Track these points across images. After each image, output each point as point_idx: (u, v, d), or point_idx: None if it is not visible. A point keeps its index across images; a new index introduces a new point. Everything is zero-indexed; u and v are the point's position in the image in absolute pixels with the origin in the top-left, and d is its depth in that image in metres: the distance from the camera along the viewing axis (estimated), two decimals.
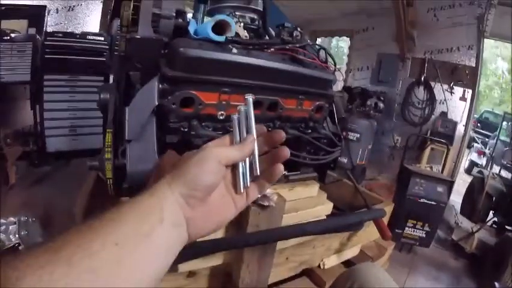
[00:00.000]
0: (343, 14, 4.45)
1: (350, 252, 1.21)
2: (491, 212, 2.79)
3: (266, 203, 0.70)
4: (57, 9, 3.57)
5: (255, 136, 0.42)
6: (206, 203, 0.38)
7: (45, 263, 0.26)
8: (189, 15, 0.84)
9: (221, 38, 0.77)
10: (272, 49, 0.86)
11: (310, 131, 0.90)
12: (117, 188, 0.77)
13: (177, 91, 0.75)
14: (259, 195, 0.47)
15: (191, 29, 0.81)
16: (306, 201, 0.86)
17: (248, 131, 0.42)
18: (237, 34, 0.85)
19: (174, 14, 0.84)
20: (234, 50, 0.76)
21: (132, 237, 0.31)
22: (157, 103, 0.73)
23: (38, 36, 2.71)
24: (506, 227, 2.48)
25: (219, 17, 0.78)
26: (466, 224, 2.60)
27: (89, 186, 1.12)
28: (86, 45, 2.80)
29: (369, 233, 1.16)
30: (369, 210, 0.95)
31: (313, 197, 0.88)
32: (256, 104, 0.81)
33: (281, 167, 0.43)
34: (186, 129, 0.77)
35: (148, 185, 0.40)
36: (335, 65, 0.97)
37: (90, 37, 2.91)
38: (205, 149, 0.39)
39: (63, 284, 0.25)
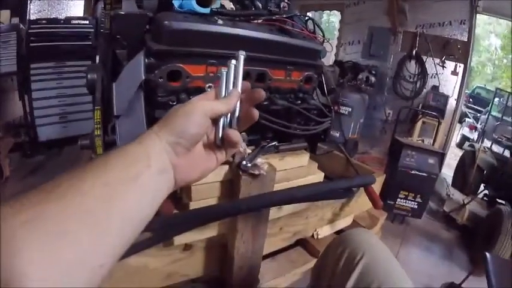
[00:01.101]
0: None
1: (343, 222, 1.24)
2: (482, 185, 2.85)
3: (257, 172, 0.72)
4: None
5: (239, 91, 0.44)
6: (191, 152, 0.40)
7: (37, 202, 0.27)
8: None
9: (206, 10, 0.76)
10: (259, 20, 0.86)
11: (299, 101, 0.91)
12: None
13: (163, 65, 0.74)
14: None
15: (176, 2, 0.79)
16: (297, 170, 0.88)
17: (234, 86, 0.44)
18: (222, 6, 0.84)
19: None
20: (220, 22, 0.76)
21: (120, 179, 0.32)
22: (144, 78, 0.73)
23: (21, 25, 2.65)
24: (497, 199, 2.54)
25: None
26: (458, 196, 2.67)
27: None
28: (71, 30, 2.74)
29: (361, 203, 1.19)
30: (359, 176, 0.98)
31: (304, 167, 0.89)
32: (244, 75, 0.80)
33: (256, 111, 0.45)
34: (174, 103, 0.77)
35: None
36: (323, 35, 0.96)
37: (74, 21, 2.83)
38: (191, 102, 0.40)
39: (55, 221, 0.26)
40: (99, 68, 0.94)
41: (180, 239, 0.78)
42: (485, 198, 2.66)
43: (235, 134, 0.42)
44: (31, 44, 2.57)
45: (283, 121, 0.84)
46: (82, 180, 0.30)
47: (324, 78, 0.99)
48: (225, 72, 0.44)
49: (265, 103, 0.84)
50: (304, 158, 0.88)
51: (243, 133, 0.88)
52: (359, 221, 1.36)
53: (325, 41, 0.96)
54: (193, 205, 0.76)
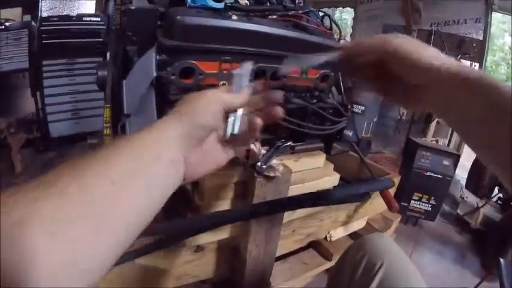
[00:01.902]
0: None
1: (357, 225, 1.21)
2: (496, 188, 2.77)
3: (272, 174, 0.69)
4: None
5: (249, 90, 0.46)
6: (201, 147, 0.39)
7: (33, 199, 0.24)
8: None
9: (220, 5, 0.73)
10: (274, 16, 0.83)
11: (315, 100, 0.88)
12: None
13: (176, 61, 0.72)
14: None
15: None
16: (312, 172, 0.85)
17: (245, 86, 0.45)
18: (236, 1, 0.81)
19: None
20: (234, 17, 0.73)
21: (126, 173, 0.30)
22: (155, 75, 0.71)
23: (33, 23, 2.67)
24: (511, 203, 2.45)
25: None
26: (472, 198, 2.59)
27: None
28: (83, 27, 2.76)
29: (376, 205, 1.16)
30: (378, 180, 0.94)
31: (320, 168, 0.86)
32: (259, 73, 0.78)
33: (279, 108, 0.47)
34: None
35: None
36: (340, 32, 0.93)
37: (86, 18, 2.85)
38: (210, 92, 0.40)
39: (52, 221, 0.24)
40: (110, 64, 0.93)
41: (191, 241, 0.76)
42: (499, 201, 2.57)
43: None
44: (43, 41, 2.60)
45: (298, 120, 0.81)
46: (84, 175, 0.27)
47: (340, 76, 0.95)
48: (237, 73, 0.46)
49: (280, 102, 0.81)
50: (320, 159, 0.85)
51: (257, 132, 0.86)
52: (373, 224, 1.33)
53: (342, 38, 0.92)
54: (205, 207, 0.74)
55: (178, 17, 0.70)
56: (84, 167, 0.28)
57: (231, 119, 0.43)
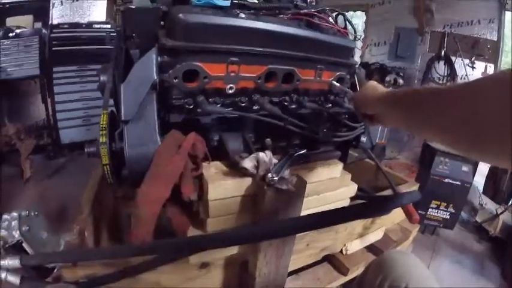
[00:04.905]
0: None
1: (373, 236, 1.13)
2: None
3: (284, 187, 0.62)
4: (61, 1, 3.51)
5: None
6: None
7: None
8: None
9: (226, 2, 0.68)
10: (285, 15, 0.76)
11: (330, 105, 0.81)
12: (117, 175, 0.70)
13: (178, 63, 0.66)
14: None
15: None
16: (329, 182, 0.77)
17: None
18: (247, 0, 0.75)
19: None
20: (242, 15, 0.67)
21: None
22: (156, 78, 0.66)
23: (44, 30, 2.71)
24: None
25: None
26: (490, 205, 2.47)
27: (97, 175, 1.07)
28: (93, 34, 2.79)
29: (394, 215, 1.08)
30: (403, 194, 0.86)
31: (336, 178, 0.79)
32: (270, 75, 0.72)
33: None
34: (191, 106, 0.69)
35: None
36: (355, 32, 0.86)
37: (96, 26, 2.89)
38: None
39: None
40: (111, 68, 0.88)
41: (195, 258, 0.69)
42: None
43: None
44: (53, 48, 2.64)
45: (313, 126, 0.74)
46: None
47: (356, 79, 0.88)
48: None
49: (293, 106, 0.75)
50: (337, 169, 0.78)
51: (267, 139, 0.80)
52: (390, 235, 1.25)
53: (357, 39, 0.86)
54: (210, 222, 0.68)
55: (181, 15, 0.64)
56: None
57: None
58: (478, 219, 2.36)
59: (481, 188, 3.07)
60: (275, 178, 0.61)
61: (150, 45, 0.69)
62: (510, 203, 2.40)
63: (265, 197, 0.64)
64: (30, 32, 2.65)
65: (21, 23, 2.97)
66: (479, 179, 3.27)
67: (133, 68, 0.68)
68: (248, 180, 0.66)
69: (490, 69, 3.38)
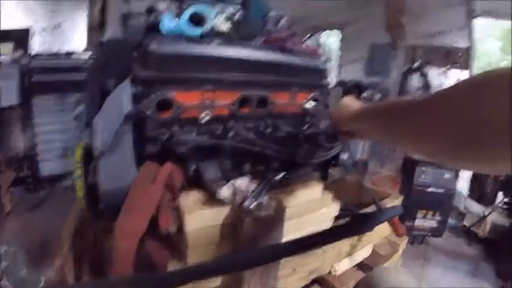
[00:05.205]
0: (331, 7, 4.37)
1: (362, 253, 1.12)
2: (500, 193, 2.70)
3: (263, 213, 0.61)
4: (43, 28, 3.50)
5: None
6: None
7: None
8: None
9: (197, 31, 0.68)
10: (258, 40, 0.78)
11: (306, 126, 0.82)
12: (94, 208, 0.68)
13: (152, 93, 0.66)
14: None
15: (165, 25, 0.73)
16: (310, 204, 0.77)
17: None
18: (217, 27, 0.77)
19: (145, 11, 0.77)
20: (214, 43, 0.68)
21: None
22: (130, 109, 0.65)
23: (23, 58, 2.67)
24: None
25: (194, 8, 0.69)
26: (477, 208, 2.52)
27: (78, 209, 1.04)
28: (73, 63, 2.76)
29: (380, 230, 1.08)
30: (386, 209, 0.87)
31: (317, 199, 0.79)
32: (244, 101, 0.72)
33: None
34: (166, 137, 0.68)
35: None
36: (326, 53, 0.89)
37: (75, 55, 2.87)
38: None
39: None
40: (87, 99, 0.87)
41: None
42: (505, 206, 2.50)
43: None
44: (33, 77, 2.59)
45: (290, 149, 0.74)
46: None
47: (332, 98, 0.90)
48: None
49: (268, 130, 0.75)
50: (317, 190, 0.78)
51: (246, 165, 0.79)
52: (379, 250, 1.24)
53: (328, 59, 0.88)
54: (190, 253, 0.65)
55: (153, 46, 0.65)
56: None
57: None
58: (466, 223, 2.40)
59: (465, 193, 3.14)
60: (252, 205, 0.60)
61: (124, 76, 0.69)
62: (496, 203, 2.46)
63: (244, 224, 0.63)
64: (10, 60, 2.63)
65: (2, 50, 2.93)
66: (463, 184, 3.35)
67: (106, 99, 0.67)
68: (226, 209, 0.65)
69: (464, 76, 3.52)
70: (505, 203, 2.49)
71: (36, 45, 3.33)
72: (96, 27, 0.84)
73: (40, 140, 2.57)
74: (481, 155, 0.32)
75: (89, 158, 0.69)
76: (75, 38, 3.52)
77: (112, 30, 0.72)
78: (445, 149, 0.36)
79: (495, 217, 2.29)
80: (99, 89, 0.82)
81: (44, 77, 2.61)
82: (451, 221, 2.48)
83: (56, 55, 2.85)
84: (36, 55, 2.80)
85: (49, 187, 2.54)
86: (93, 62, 0.84)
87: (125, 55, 0.72)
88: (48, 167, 2.57)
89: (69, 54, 2.90)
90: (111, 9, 0.69)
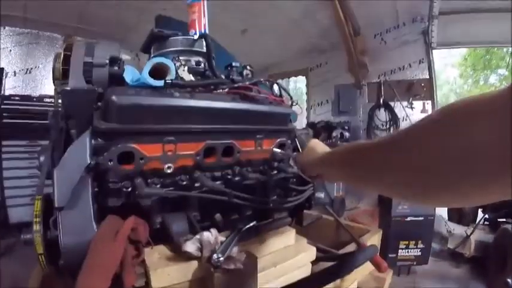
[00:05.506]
0: (296, 54, 4.68)
1: None
2: (479, 211, 2.76)
3: (232, 266, 0.58)
4: (14, 72, 3.46)
5: None
6: None
7: None
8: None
9: (159, 83, 0.68)
10: (221, 90, 0.79)
11: (275, 172, 0.81)
12: (54, 265, 0.62)
13: (113, 146, 0.64)
14: None
15: (128, 76, 0.73)
16: (285, 251, 0.74)
17: None
18: (181, 78, 0.78)
19: (108, 62, 0.77)
20: (176, 94, 0.68)
21: None
22: (89, 161, 0.62)
23: None
24: (499, 220, 2.42)
25: (156, 60, 0.70)
26: (459, 229, 2.55)
27: None
28: (44, 108, 2.71)
29: (363, 266, 1.04)
30: (360, 252, 0.85)
31: (292, 245, 0.76)
32: (209, 151, 0.71)
33: None
34: (129, 189, 0.65)
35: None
36: (291, 98, 0.91)
37: (47, 99, 2.83)
38: None
39: None
40: (49, 149, 0.83)
41: None
42: (486, 222, 2.54)
43: None
44: (3, 120, 2.50)
45: (260, 196, 0.73)
46: None
47: (298, 142, 0.91)
48: None
49: (236, 179, 0.73)
50: (290, 236, 0.75)
51: (217, 215, 0.76)
52: (364, 287, 1.20)
53: (294, 103, 0.91)
54: None
55: (114, 97, 0.64)
56: None
57: None
58: (450, 245, 2.40)
59: (445, 216, 3.19)
60: (221, 258, 0.57)
61: (86, 126, 0.67)
62: (477, 221, 2.49)
63: (214, 279, 0.58)
64: None
65: None
66: (441, 208, 3.41)
67: (66, 151, 0.65)
68: (194, 264, 0.61)
69: (428, 106, 3.73)
70: (486, 219, 2.55)
71: (7, 88, 3.26)
72: (59, 76, 0.82)
73: (8, 185, 2.48)
74: (448, 188, 0.31)
75: (49, 211, 0.65)
76: (46, 84, 3.49)
77: (75, 80, 0.70)
78: (407, 186, 0.36)
79: (478, 235, 2.32)
80: (62, 139, 0.79)
81: (14, 121, 2.54)
82: (435, 245, 2.48)
83: (28, 98, 2.80)
84: (8, 97, 2.74)
85: (18, 235, 2.38)
86: (54, 110, 0.82)
87: (87, 105, 0.71)
88: (16, 213, 2.47)
89: (41, 98, 2.84)
90: (75, 59, 0.69)
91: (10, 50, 3.42)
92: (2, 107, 2.55)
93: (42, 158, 0.82)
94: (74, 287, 0.58)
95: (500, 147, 0.25)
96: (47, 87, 3.48)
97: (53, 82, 0.93)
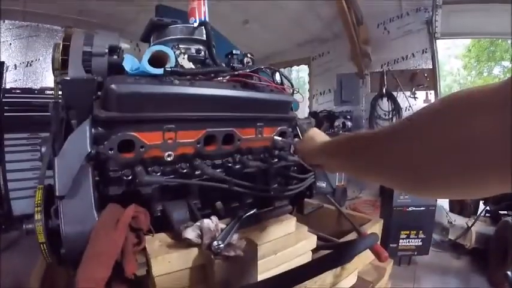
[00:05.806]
0: (298, 44, 4.62)
1: (347, 282, 1.08)
2: (481, 203, 2.76)
3: (232, 253, 0.58)
4: (15, 65, 3.46)
5: None
6: None
7: None
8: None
9: (158, 71, 0.68)
10: (222, 78, 0.79)
11: (276, 160, 0.81)
12: (56, 253, 0.63)
13: (113, 134, 0.64)
14: None
15: (127, 65, 0.72)
16: (285, 239, 0.74)
17: None
18: (181, 66, 0.77)
19: (107, 51, 0.76)
20: (176, 82, 0.68)
21: None
22: (90, 150, 0.62)
23: None
24: (500, 212, 2.42)
25: (155, 48, 0.70)
26: (460, 220, 2.55)
27: None
28: (45, 100, 2.71)
29: (364, 256, 1.05)
30: (361, 240, 0.85)
31: (292, 233, 0.76)
32: (210, 139, 0.71)
33: None
34: (129, 178, 0.65)
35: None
36: (292, 86, 0.90)
37: (48, 92, 2.83)
38: None
39: None
40: (50, 140, 0.84)
41: None
42: (487, 214, 2.54)
43: None
44: (5, 114, 2.51)
45: (261, 184, 0.72)
46: None
47: (299, 131, 0.90)
48: None
49: (237, 167, 0.73)
50: (290, 224, 0.75)
51: (218, 203, 0.76)
52: (365, 276, 1.20)
53: (295, 91, 0.90)
54: None
55: (113, 86, 0.63)
56: None
57: None
58: (451, 236, 2.40)
59: (446, 207, 3.19)
60: (221, 245, 0.57)
61: (86, 116, 0.67)
62: (479, 213, 2.50)
63: (215, 266, 0.59)
64: None
65: None
66: (442, 199, 3.41)
67: (67, 140, 0.65)
68: (194, 251, 0.61)
69: (431, 96, 3.70)
70: (487, 211, 2.55)
71: (8, 82, 3.26)
72: (59, 66, 0.81)
73: (11, 178, 2.48)
74: (448, 179, 0.31)
75: (50, 200, 0.65)
76: (47, 77, 3.49)
77: (74, 70, 0.70)
78: (408, 177, 0.35)
79: (479, 227, 2.31)
80: (63, 129, 0.80)
81: (16, 114, 2.55)
82: (435, 236, 2.49)
83: (29, 91, 2.79)
84: (9, 90, 2.74)
85: (21, 227, 2.40)
86: (55, 101, 0.82)
87: (86, 95, 0.70)
88: (20, 206, 2.47)
89: (42, 90, 2.85)
90: (74, 48, 0.68)
91: (10, 44, 3.40)
92: (4, 100, 2.55)
93: (43, 149, 0.83)
94: (76, 276, 0.59)
95: (501, 140, 0.24)
96: (48, 80, 3.48)
97: (53, 72, 0.93)
